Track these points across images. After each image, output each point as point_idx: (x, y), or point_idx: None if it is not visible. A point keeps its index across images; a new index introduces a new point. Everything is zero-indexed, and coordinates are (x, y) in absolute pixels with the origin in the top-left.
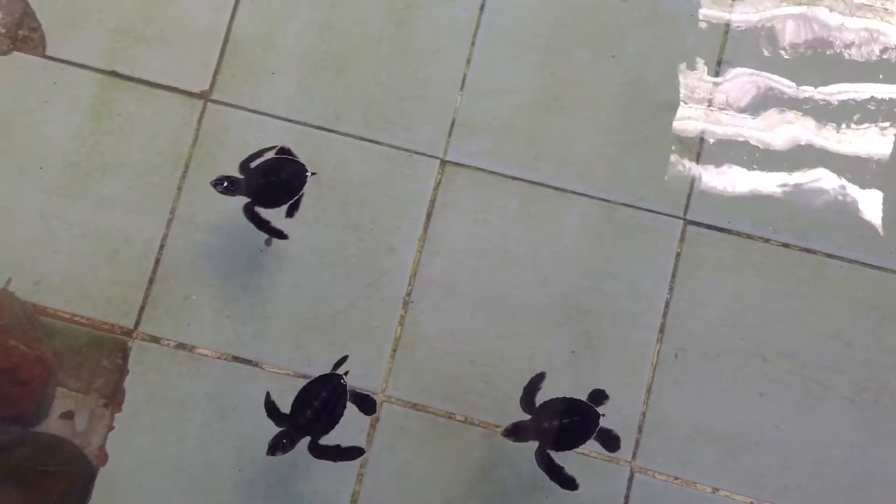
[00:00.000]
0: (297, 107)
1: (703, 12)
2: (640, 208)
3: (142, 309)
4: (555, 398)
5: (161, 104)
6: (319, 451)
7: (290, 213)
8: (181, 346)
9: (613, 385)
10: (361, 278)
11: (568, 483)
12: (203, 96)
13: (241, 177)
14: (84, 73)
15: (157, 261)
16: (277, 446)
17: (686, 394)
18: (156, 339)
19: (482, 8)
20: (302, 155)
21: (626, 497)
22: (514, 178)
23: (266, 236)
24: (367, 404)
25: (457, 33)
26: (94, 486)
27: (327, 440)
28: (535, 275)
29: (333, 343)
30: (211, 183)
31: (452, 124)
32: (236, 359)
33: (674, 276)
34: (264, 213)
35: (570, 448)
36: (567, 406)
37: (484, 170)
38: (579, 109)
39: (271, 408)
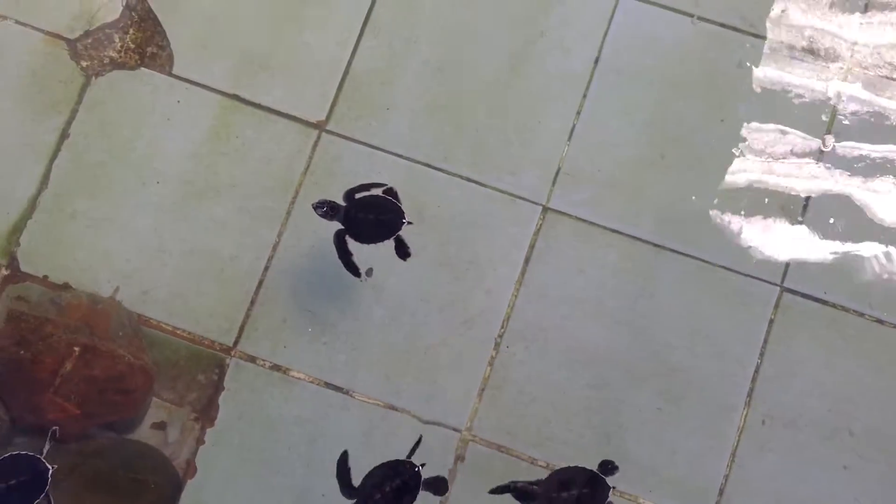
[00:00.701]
0: (407, 143)
1: (812, 83)
2: (738, 272)
3: (242, 328)
4: (569, 467)
5: (278, 130)
6: None
7: (402, 254)
8: (276, 367)
9: (697, 446)
10: (455, 316)
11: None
12: (319, 126)
13: (343, 205)
14: (207, 94)
15: (261, 282)
16: None
17: (770, 461)
18: (252, 359)
19: (596, 61)
20: (408, 191)
21: None
22: (614, 231)
23: (369, 267)
24: (439, 487)
25: (569, 84)
26: (181, 498)
27: None
28: (627, 328)
29: (423, 378)
30: (313, 204)
31: (557, 172)
32: (328, 385)
33: (766, 342)
34: (351, 245)
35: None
36: (578, 478)
37: (585, 220)
38: (684, 169)
39: (343, 473)
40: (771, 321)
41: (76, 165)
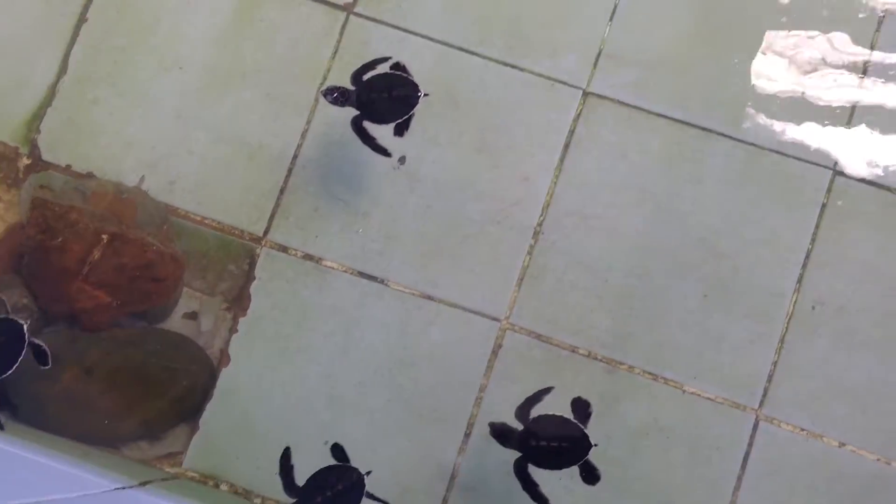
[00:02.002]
0: (440, 26)
1: None
2: (789, 156)
3: (272, 217)
4: (551, 416)
5: (304, 13)
6: None
7: (400, 132)
8: (308, 256)
9: (745, 333)
10: (493, 205)
11: (542, 501)
12: (346, 8)
13: (353, 88)
14: None
15: (290, 170)
16: None
17: (820, 347)
18: (284, 249)
19: None
20: (441, 76)
21: (749, 444)
22: (659, 115)
23: (402, 154)
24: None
25: None
26: (216, 386)
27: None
28: (672, 215)
29: (460, 267)
30: (321, 92)
31: (599, 55)
32: (362, 274)
33: (817, 227)
34: (372, 128)
35: (551, 469)
36: (560, 429)
37: (628, 104)
38: (734, 50)
39: (286, 472)
40: (823, 205)
41: (95, 51)
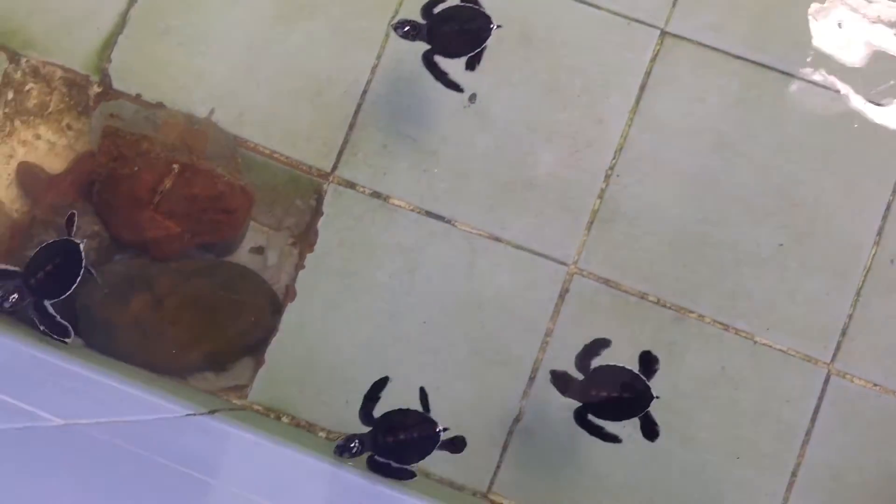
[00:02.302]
0: None
1: None
2: (875, 103)
3: (340, 153)
4: (612, 367)
5: None
6: (375, 466)
7: (471, 65)
8: (376, 194)
9: (820, 285)
10: (564, 146)
11: (611, 439)
12: None
13: (424, 22)
14: None
15: (359, 106)
16: (344, 448)
17: None
18: (352, 185)
19: None
20: (516, 14)
21: (820, 398)
22: (739, 58)
23: (472, 93)
24: (456, 446)
25: None
26: (281, 321)
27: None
28: (748, 161)
29: (528, 209)
30: (392, 25)
31: None
32: (429, 213)
33: None
34: (444, 63)
35: (611, 420)
36: (622, 380)
37: (707, 45)
38: None
39: (371, 399)
40: None
41: None
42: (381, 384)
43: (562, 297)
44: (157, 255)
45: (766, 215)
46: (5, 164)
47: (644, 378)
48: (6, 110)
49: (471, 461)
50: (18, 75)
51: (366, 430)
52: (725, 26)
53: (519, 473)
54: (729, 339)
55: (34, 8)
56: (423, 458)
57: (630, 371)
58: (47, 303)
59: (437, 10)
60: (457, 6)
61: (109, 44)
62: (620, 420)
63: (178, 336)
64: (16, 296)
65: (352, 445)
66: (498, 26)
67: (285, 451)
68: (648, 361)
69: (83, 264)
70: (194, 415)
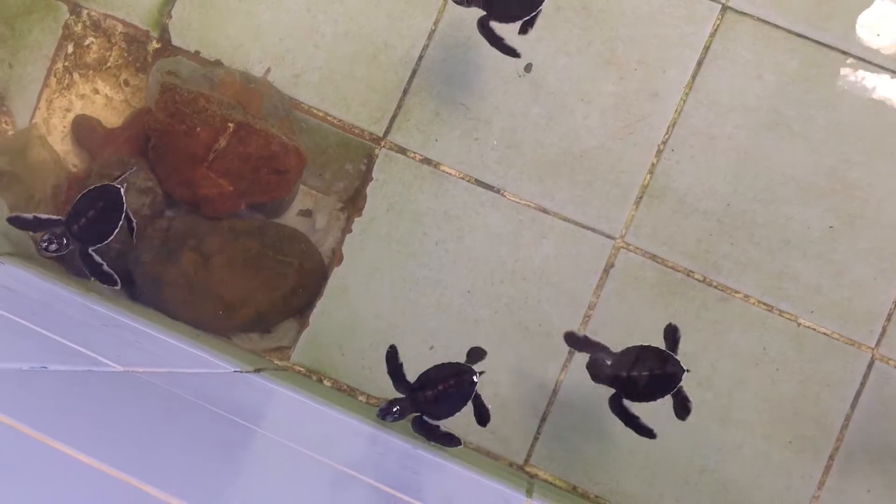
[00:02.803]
0: None
1: None
2: None
3: (393, 118)
4: (638, 346)
5: None
6: (420, 427)
7: (524, 29)
8: (426, 160)
9: (868, 269)
10: (617, 119)
11: (645, 433)
12: None
13: None
14: None
15: (414, 72)
16: (386, 412)
17: None
18: (403, 150)
19: None
20: None
21: (862, 383)
22: (799, 36)
23: (528, 62)
24: (482, 416)
25: None
26: (327, 284)
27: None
28: (803, 141)
29: (578, 181)
30: None
31: None
32: (479, 182)
33: None
34: (499, 28)
35: (645, 400)
36: (650, 356)
37: (768, 22)
38: None
39: (394, 368)
40: None
41: None
42: (393, 354)
43: (606, 271)
44: (209, 213)
45: (817, 197)
46: (62, 118)
47: (672, 353)
48: (65, 63)
49: (509, 432)
50: (79, 28)
51: None
52: (787, 3)
53: (556, 446)
54: (773, 320)
55: None
56: (465, 403)
57: (656, 348)
58: (92, 251)
59: None
60: None
61: (170, 0)
62: (655, 399)
63: (226, 295)
64: (57, 242)
65: (394, 409)
66: None
67: (328, 411)
68: (673, 334)
69: (124, 208)
70: (241, 372)
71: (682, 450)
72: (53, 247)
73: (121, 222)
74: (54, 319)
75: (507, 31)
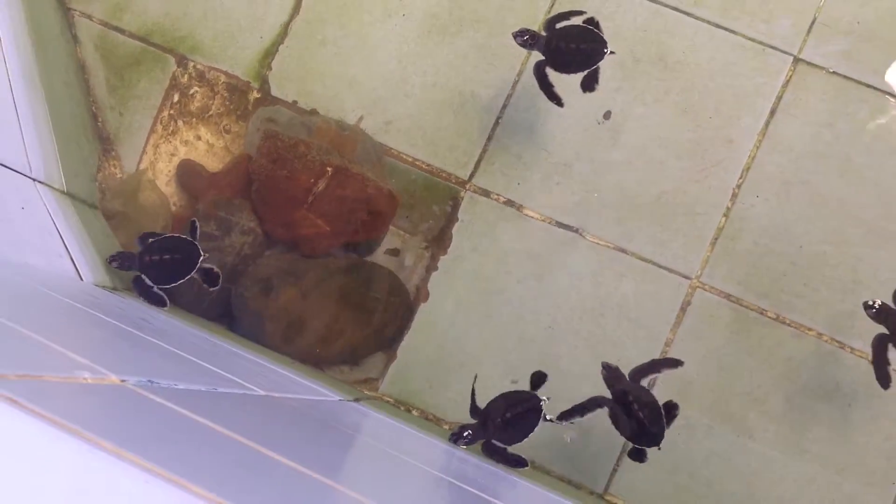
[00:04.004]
0: None
1: None
2: None
3: (478, 162)
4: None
5: None
6: (490, 451)
7: (588, 86)
8: (509, 202)
9: None
10: (693, 164)
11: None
12: None
13: (544, 34)
14: None
15: (498, 120)
16: (458, 436)
17: None
18: (486, 193)
19: None
20: (653, 36)
21: None
22: (869, 86)
23: (607, 110)
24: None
25: None
26: (413, 319)
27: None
28: (874, 186)
29: (654, 223)
30: (513, 33)
31: (813, 22)
32: (560, 224)
33: None
34: (554, 76)
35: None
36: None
37: (838, 73)
38: None
39: (472, 395)
40: None
41: None
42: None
43: (683, 309)
44: (307, 252)
45: (886, 238)
46: (167, 162)
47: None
48: (171, 112)
49: (589, 462)
50: (185, 79)
51: None
52: (857, 55)
53: (634, 476)
54: (845, 356)
55: (203, 16)
56: (532, 429)
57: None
58: (145, 276)
59: (559, 25)
60: (578, 26)
61: (271, 52)
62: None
63: (321, 329)
64: (119, 262)
65: (465, 434)
66: (611, 52)
67: (420, 435)
68: (669, 410)
69: (194, 270)
70: (345, 400)
71: (758, 483)
72: (115, 264)
73: (184, 279)
74: (198, 352)
75: (565, 81)
